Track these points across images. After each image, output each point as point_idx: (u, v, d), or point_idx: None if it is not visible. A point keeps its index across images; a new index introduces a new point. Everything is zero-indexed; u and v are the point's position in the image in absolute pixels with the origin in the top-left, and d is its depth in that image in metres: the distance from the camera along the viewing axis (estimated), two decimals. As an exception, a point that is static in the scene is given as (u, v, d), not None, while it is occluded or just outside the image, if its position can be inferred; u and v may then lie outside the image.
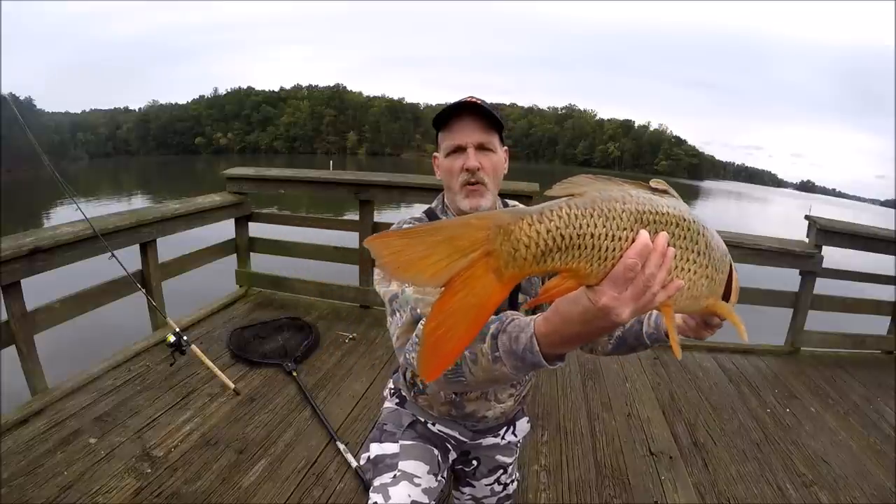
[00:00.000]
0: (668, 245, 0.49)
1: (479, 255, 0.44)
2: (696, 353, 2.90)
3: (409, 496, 0.94)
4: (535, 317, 0.61)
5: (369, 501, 0.95)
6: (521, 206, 0.52)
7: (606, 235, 0.49)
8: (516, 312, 0.67)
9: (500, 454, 1.15)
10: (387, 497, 0.93)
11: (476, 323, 0.46)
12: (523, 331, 0.61)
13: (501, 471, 1.16)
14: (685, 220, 0.52)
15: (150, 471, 1.59)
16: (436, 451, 1.05)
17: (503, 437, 1.14)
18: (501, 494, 1.18)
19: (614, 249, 0.49)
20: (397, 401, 1.15)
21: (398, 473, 0.98)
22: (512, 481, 1.20)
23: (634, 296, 0.49)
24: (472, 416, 1.06)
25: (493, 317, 0.67)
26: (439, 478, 1.02)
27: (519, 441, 1.18)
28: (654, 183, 0.54)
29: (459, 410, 1.05)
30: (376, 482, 0.98)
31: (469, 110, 0.91)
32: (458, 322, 0.45)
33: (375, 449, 1.06)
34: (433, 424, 1.10)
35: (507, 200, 1.07)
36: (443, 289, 0.44)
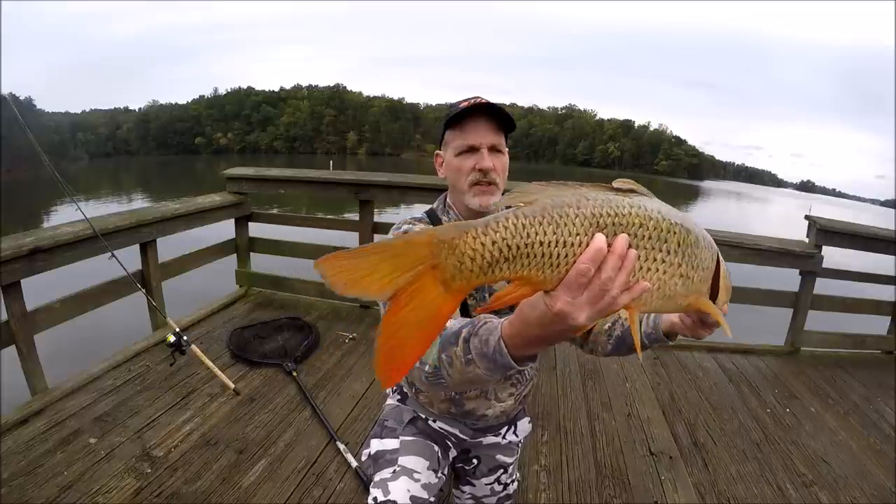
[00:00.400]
0: (630, 247, 0.49)
1: (426, 269, 0.46)
2: (696, 353, 2.90)
3: (409, 491, 0.94)
4: (503, 319, 0.61)
5: (369, 497, 0.95)
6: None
7: (557, 242, 0.49)
8: (490, 315, 0.67)
9: (500, 454, 1.15)
10: (386, 492, 0.94)
11: (430, 333, 0.48)
12: (492, 333, 0.61)
13: (502, 470, 1.16)
14: (651, 219, 0.51)
15: (150, 471, 1.59)
16: (436, 448, 1.06)
17: (504, 437, 1.14)
18: (501, 494, 1.18)
19: (566, 255, 0.49)
20: (399, 397, 1.15)
21: (398, 469, 0.99)
22: (512, 481, 1.20)
23: (591, 300, 0.49)
24: (471, 414, 1.06)
25: (467, 319, 0.69)
26: (439, 474, 1.02)
27: (520, 441, 1.18)
28: (617, 183, 0.54)
29: (459, 408, 1.05)
30: (376, 477, 0.99)
31: (484, 111, 0.92)
32: (411, 333, 0.47)
33: (376, 444, 1.07)
34: (434, 421, 1.10)
35: None
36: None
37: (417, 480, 0.97)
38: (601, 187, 0.53)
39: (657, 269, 0.53)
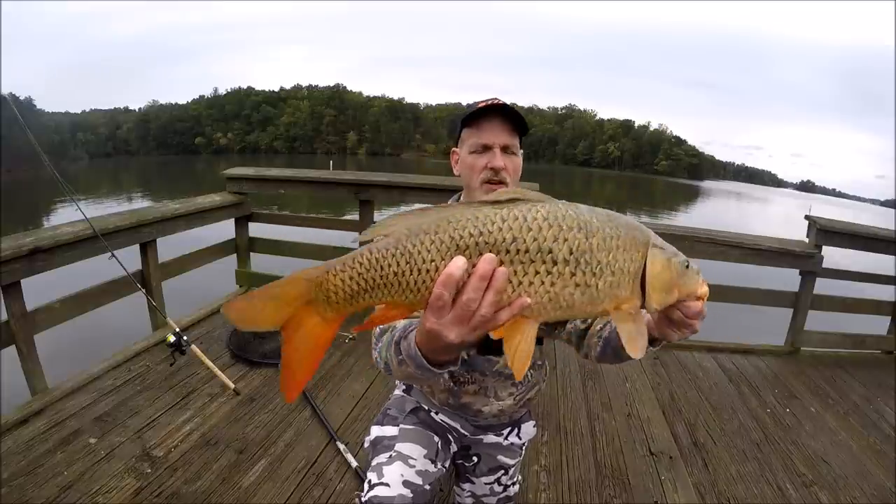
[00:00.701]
0: (502, 264, 0.50)
1: (301, 305, 0.55)
2: (696, 353, 2.90)
3: (402, 475, 0.95)
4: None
5: (365, 481, 0.97)
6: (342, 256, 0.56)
7: (411, 271, 0.52)
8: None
9: (502, 454, 1.15)
10: (380, 475, 0.95)
11: (315, 356, 0.58)
12: (413, 339, 0.67)
13: (502, 471, 1.16)
14: (529, 230, 0.51)
15: (150, 471, 1.59)
16: (436, 439, 1.07)
17: (506, 438, 1.14)
18: (501, 496, 1.17)
19: (424, 281, 0.52)
20: (404, 388, 1.17)
21: (393, 454, 1.00)
22: (513, 483, 1.20)
23: (457, 320, 0.52)
24: (468, 409, 1.07)
25: (406, 321, 0.75)
26: (438, 465, 1.03)
27: (524, 444, 1.18)
28: (496, 195, 0.55)
29: (456, 400, 1.06)
30: (373, 462, 1.01)
31: (500, 112, 0.94)
32: (302, 356, 0.57)
33: (376, 431, 1.09)
34: (436, 413, 1.12)
35: None
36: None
37: (412, 466, 0.98)
38: (477, 204, 0.54)
39: (542, 282, 0.52)
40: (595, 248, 0.53)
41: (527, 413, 1.18)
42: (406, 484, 0.94)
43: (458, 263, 0.50)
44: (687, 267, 0.61)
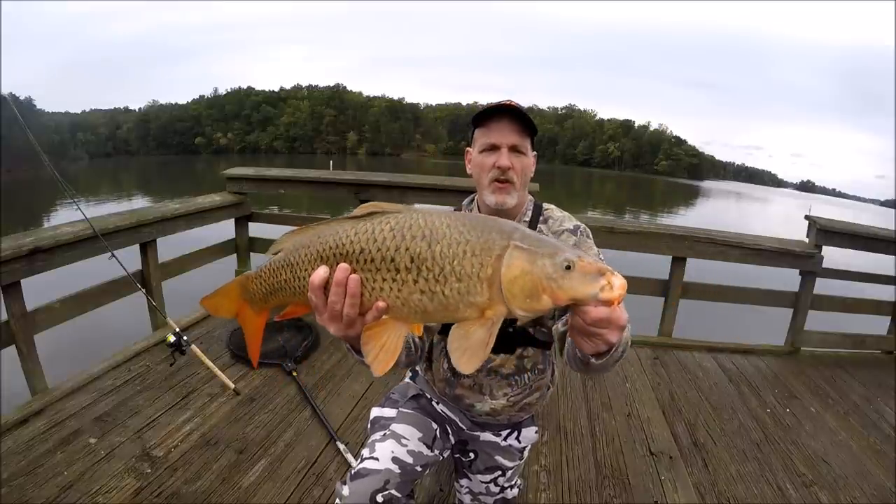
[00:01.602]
0: (354, 272, 0.58)
1: (241, 300, 0.76)
2: (696, 353, 2.90)
3: (393, 452, 0.98)
4: None
5: (359, 457, 1.00)
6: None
7: (294, 279, 0.65)
8: None
9: (499, 455, 1.15)
10: (372, 451, 0.99)
11: (256, 335, 0.81)
12: None
13: (499, 472, 1.16)
14: (375, 241, 0.58)
15: (150, 471, 1.59)
16: (434, 426, 1.08)
17: (505, 439, 1.14)
18: (498, 496, 1.17)
19: (303, 287, 0.63)
20: (411, 374, 1.20)
21: (388, 433, 1.03)
22: (511, 486, 1.19)
23: (331, 319, 0.62)
24: (460, 401, 1.09)
25: None
26: (434, 450, 1.05)
27: (525, 448, 1.17)
28: (358, 210, 0.62)
29: (451, 390, 1.08)
30: (368, 440, 1.04)
31: (508, 112, 0.96)
32: (249, 334, 0.81)
33: (375, 412, 1.12)
34: (437, 403, 1.14)
35: (544, 204, 1.09)
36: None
37: (405, 445, 1.00)
38: (343, 219, 0.62)
39: (391, 288, 0.57)
40: (437, 256, 0.55)
41: (529, 418, 1.17)
42: (395, 460, 0.97)
43: (319, 273, 0.60)
44: (568, 268, 0.54)
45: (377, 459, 0.96)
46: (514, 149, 0.97)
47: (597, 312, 0.57)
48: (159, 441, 1.73)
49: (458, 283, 0.55)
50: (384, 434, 1.03)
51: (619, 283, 0.55)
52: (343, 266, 0.58)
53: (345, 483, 0.95)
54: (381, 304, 0.58)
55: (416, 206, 0.70)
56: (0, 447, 1.63)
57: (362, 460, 0.97)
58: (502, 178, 0.97)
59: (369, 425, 1.11)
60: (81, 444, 1.69)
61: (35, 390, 1.94)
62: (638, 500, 1.66)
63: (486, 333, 0.56)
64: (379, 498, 0.91)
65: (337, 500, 0.95)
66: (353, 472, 0.96)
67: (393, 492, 0.93)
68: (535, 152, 1.03)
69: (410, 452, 1.00)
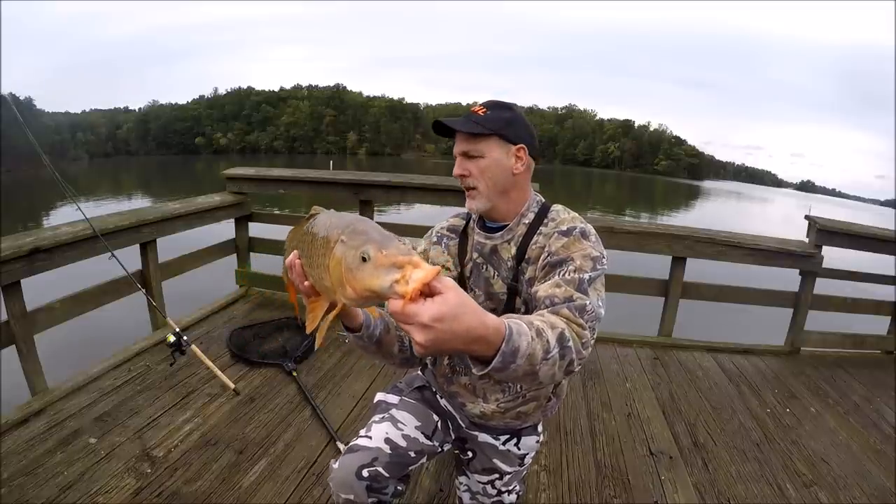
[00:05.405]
0: (299, 258, 0.74)
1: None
2: (696, 353, 2.90)
3: (387, 433, 1.00)
4: None
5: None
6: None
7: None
8: None
9: (497, 458, 1.14)
10: (367, 430, 1.01)
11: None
12: None
13: (497, 475, 1.15)
14: (308, 233, 0.71)
15: (150, 471, 1.58)
16: (435, 418, 1.09)
17: (503, 444, 1.13)
18: (495, 499, 1.17)
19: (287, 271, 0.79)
20: (422, 366, 1.20)
21: (386, 416, 1.05)
22: (509, 492, 1.18)
23: (303, 293, 0.75)
24: (453, 398, 1.10)
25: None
26: (433, 440, 1.06)
27: (525, 455, 1.16)
28: (312, 210, 0.76)
29: (448, 386, 1.10)
30: (369, 422, 1.05)
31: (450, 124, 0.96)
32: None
33: (379, 396, 1.14)
34: (441, 397, 1.14)
35: (553, 206, 1.03)
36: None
37: (400, 430, 1.02)
38: (306, 218, 0.76)
39: (318, 266, 0.67)
40: (318, 246, 0.66)
41: (531, 427, 1.15)
42: (388, 441, 0.98)
43: (288, 258, 0.77)
44: (364, 260, 0.54)
45: (370, 438, 0.99)
46: (466, 155, 0.96)
47: (391, 305, 0.54)
48: (159, 441, 1.73)
49: (316, 271, 0.68)
50: (382, 417, 1.05)
51: (417, 276, 0.52)
52: (294, 252, 0.75)
53: (337, 460, 0.98)
54: (306, 282, 0.73)
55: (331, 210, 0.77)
56: (0, 447, 1.63)
57: (357, 438, 1.00)
58: (464, 186, 0.99)
59: (371, 407, 1.14)
60: (81, 444, 1.69)
61: (35, 390, 1.94)
62: (638, 500, 1.66)
63: (329, 315, 0.71)
64: (364, 473, 0.93)
65: (329, 479, 0.97)
66: (345, 448, 0.99)
67: (380, 469, 0.94)
68: (519, 145, 0.96)
69: (405, 437, 1.01)
